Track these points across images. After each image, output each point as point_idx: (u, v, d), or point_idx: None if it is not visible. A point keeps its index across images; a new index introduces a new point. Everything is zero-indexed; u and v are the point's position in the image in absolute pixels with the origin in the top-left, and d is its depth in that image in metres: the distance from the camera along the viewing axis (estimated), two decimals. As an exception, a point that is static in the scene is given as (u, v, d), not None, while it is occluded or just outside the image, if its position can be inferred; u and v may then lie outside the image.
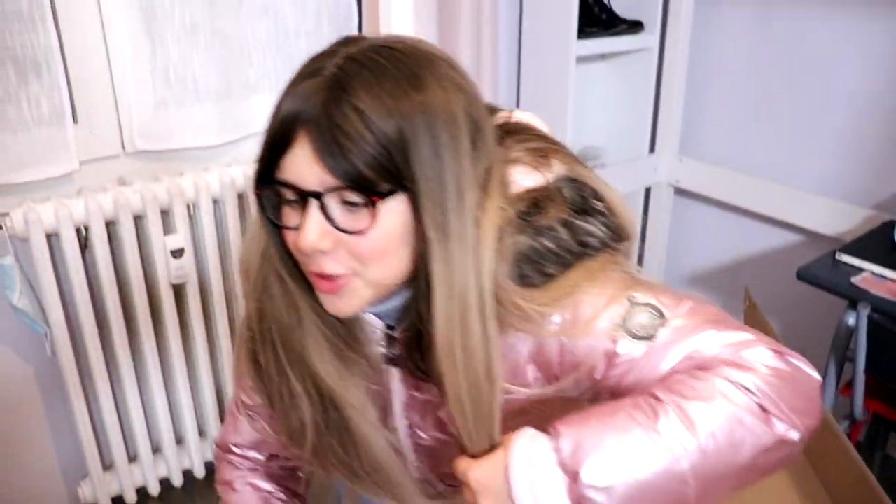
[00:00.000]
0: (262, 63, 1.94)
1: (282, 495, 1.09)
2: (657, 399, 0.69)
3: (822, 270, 1.75)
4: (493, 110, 0.89)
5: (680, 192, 2.57)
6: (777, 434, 0.69)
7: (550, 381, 0.81)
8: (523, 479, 0.69)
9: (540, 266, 0.77)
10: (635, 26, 2.37)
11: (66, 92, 1.69)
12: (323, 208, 0.70)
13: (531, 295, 0.76)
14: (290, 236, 0.74)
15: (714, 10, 2.32)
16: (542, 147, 0.85)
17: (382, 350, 0.87)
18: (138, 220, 1.77)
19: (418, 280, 0.74)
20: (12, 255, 1.66)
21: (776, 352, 0.73)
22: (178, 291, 1.88)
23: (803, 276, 1.74)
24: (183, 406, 1.97)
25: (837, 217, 2.13)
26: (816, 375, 0.75)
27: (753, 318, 1.60)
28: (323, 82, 0.69)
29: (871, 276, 1.70)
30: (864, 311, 1.62)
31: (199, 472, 2.08)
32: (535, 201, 0.79)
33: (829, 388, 1.80)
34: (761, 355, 0.73)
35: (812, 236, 2.22)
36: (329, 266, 0.73)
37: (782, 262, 2.28)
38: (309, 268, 0.75)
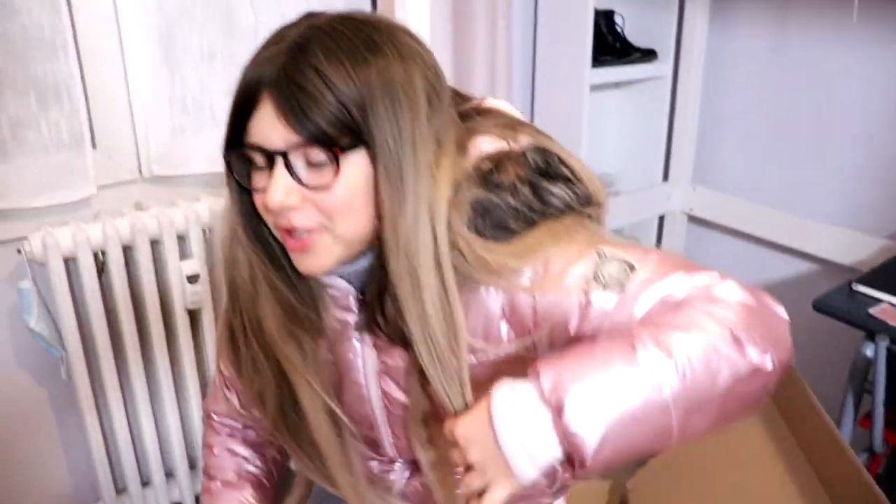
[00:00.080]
0: (279, 90, 1.95)
1: (258, 461, 1.12)
2: (633, 334, 0.70)
3: (839, 301, 1.74)
4: (466, 98, 0.92)
5: (693, 220, 2.56)
6: (752, 362, 0.70)
7: (525, 339, 0.82)
8: (507, 422, 0.69)
9: (501, 221, 0.79)
10: (649, 55, 2.39)
11: (85, 118, 1.71)
12: (288, 166, 0.74)
13: (494, 247, 0.78)
14: (259, 199, 0.78)
15: (728, 39, 2.33)
16: (511, 123, 0.88)
17: (354, 317, 0.88)
18: (154, 244, 1.78)
19: (382, 237, 0.77)
20: (30, 279, 1.67)
21: (746, 288, 0.76)
22: (193, 316, 1.88)
23: (820, 307, 1.73)
24: (196, 431, 1.97)
25: (853, 247, 2.12)
26: (785, 315, 0.78)
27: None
28: (285, 47, 0.73)
29: (890, 307, 1.68)
30: (883, 343, 1.61)
31: (210, 498, 2.06)
32: (497, 161, 0.81)
33: (847, 421, 1.78)
34: (732, 290, 0.75)
35: (827, 266, 2.21)
36: (298, 220, 0.76)
37: (797, 291, 2.26)
38: (280, 225, 0.78)
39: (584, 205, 0.84)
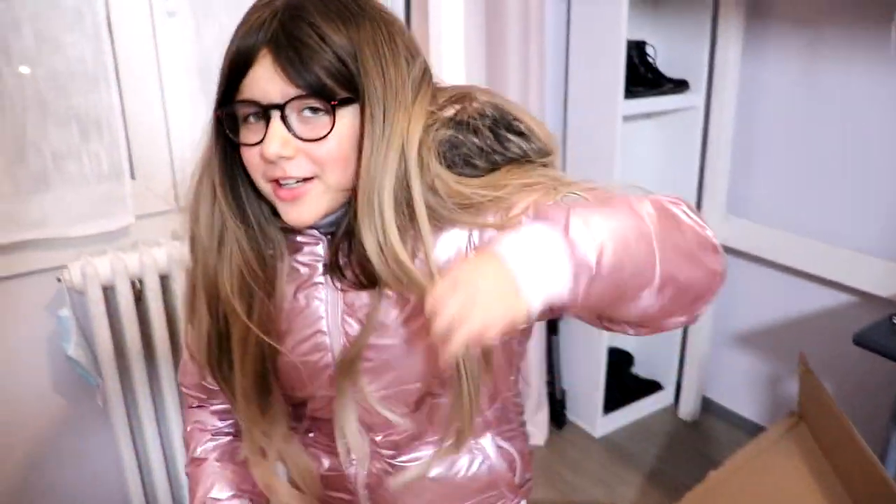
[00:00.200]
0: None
1: (229, 429, 1.12)
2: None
3: (880, 335, 1.70)
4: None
5: (727, 251, 2.54)
6: (701, 226, 0.78)
7: None
8: (515, 249, 0.68)
9: (468, 157, 0.85)
10: (681, 85, 2.39)
11: (124, 149, 1.74)
12: (284, 119, 0.79)
13: (464, 181, 0.83)
14: (249, 153, 0.83)
15: (760, 68, 2.32)
16: (469, 88, 0.91)
17: (322, 262, 0.92)
18: (190, 274, 1.79)
19: (357, 174, 0.82)
20: (69, 307, 1.69)
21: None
22: (226, 345, 1.89)
23: (861, 341, 1.69)
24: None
25: (892, 278, 2.08)
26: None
27: (809, 384, 1.56)
28: (278, 9, 0.79)
29: (932, 340, 1.65)
30: (926, 378, 1.58)
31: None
32: (461, 108, 0.87)
33: (892, 456, 1.74)
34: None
35: (866, 298, 2.17)
36: (292, 170, 0.81)
37: (836, 324, 2.23)
38: (273, 175, 0.82)
39: (540, 156, 0.88)
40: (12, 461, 1.81)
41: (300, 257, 0.93)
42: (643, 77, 2.33)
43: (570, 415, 2.69)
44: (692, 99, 2.41)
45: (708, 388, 2.72)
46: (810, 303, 2.33)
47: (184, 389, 1.13)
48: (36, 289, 1.73)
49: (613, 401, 2.63)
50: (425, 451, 1.00)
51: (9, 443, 1.79)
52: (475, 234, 0.86)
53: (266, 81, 0.78)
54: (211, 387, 1.07)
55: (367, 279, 0.86)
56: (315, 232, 0.91)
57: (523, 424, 1.13)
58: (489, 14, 1.96)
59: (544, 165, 0.89)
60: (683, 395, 2.72)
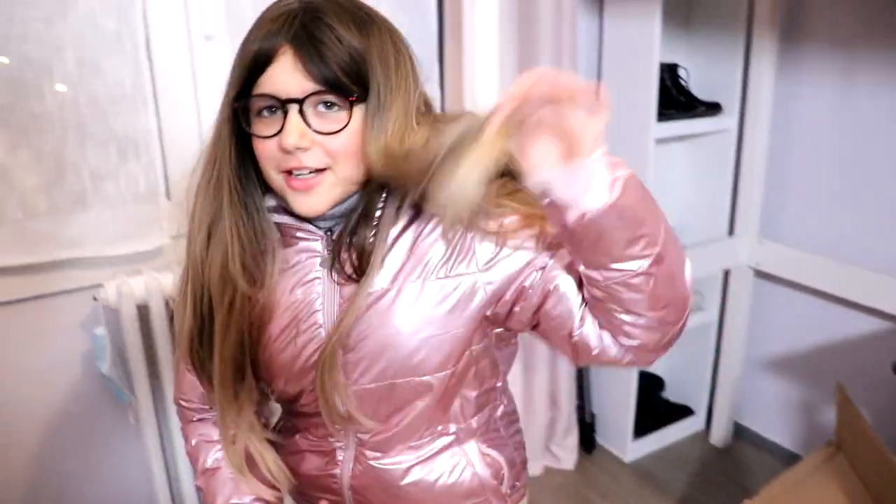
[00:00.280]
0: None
1: None
2: None
3: (920, 363, 1.67)
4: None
5: (761, 275, 2.51)
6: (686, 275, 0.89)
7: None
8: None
9: None
10: (714, 108, 2.37)
11: (161, 170, 1.77)
12: (301, 113, 0.85)
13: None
14: (264, 144, 0.88)
15: (795, 90, 2.30)
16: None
17: (320, 257, 0.96)
18: (223, 294, 1.81)
19: (372, 178, 0.91)
20: (104, 325, 1.72)
21: None
22: (257, 365, 1.90)
23: (899, 368, 1.66)
24: (256, 480, 1.98)
25: (931, 305, 2.04)
26: None
27: (847, 413, 1.53)
28: (296, 11, 0.86)
29: (974, 370, 1.61)
30: (968, 408, 1.54)
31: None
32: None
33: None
34: None
35: (903, 324, 2.13)
36: (307, 160, 0.87)
37: (873, 351, 2.19)
38: (289, 166, 0.88)
39: None
40: (45, 475, 1.83)
41: (298, 253, 0.97)
42: (675, 100, 2.32)
43: (600, 439, 2.66)
44: (725, 122, 2.39)
45: (740, 414, 2.68)
46: (846, 329, 2.29)
47: (183, 404, 1.15)
48: (72, 307, 1.76)
49: (644, 425, 2.60)
50: (409, 455, 1.04)
51: (42, 456, 1.81)
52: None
53: (286, 77, 0.85)
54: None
55: (361, 270, 0.93)
56: (313, 228, 0.96)
57: (516, 434, 1.15)
58: (521, 36, 1.97)
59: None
60: (715, 420, 2.69)
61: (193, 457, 1.14)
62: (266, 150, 0.88)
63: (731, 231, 2.51)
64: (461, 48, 1.71)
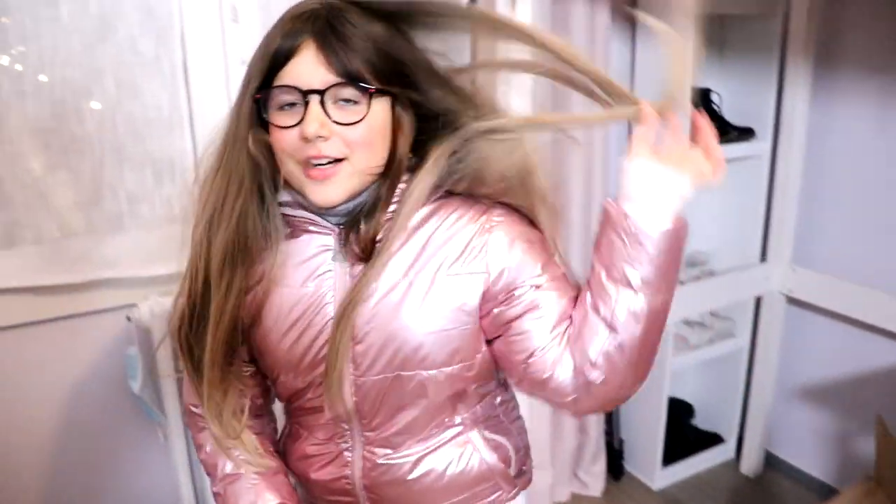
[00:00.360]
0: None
1: None
2: None
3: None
4: None
5: (793, 302, 2.47)
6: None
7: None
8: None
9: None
10: (746, 133, 2.36)
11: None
12: (322, 104, 0.89)
13: None
14: (283, 134, 0.91)
15: (829, 115, 2.28)
16: None
17: (331, 251, 0.99)
18: (254, 315, 1.82)
19: (387, 171, 0.96)
20: (137, 345, 1.73)
21: None
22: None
23: (939, 402, 1.63)
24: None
25: (971, 336, 2.00)
26: None
27: (887, 447, 1.50)
28: (319, 9, 0.91)
29: None
30: None
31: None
32: None
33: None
34: None
35: (942, 356, 2.09)
36: (326, 149, 0.90)
37: (909, 382, 2.15)
38: (308, 155, 0.91)
39: None
40: (75, 491, 1.85)
41: (310, 247, 1.00)
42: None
43: (628, 466, 2.63)
44: (758, 147, 2.37)
45: (772, 443, 2.64)
46: (882, 358, 2.25)
47: (194, 410, 1.15)
48: (106, 326, 1.78)
49: (673, 453, 2.56)
50: (417, 448, 1.06)
51: (72, 472, 1.83)
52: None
53: (308, 69, 0.88)
54: None
55: (366, 254, 0.96)
56: (326, 223, 0.99)
57: (516, 420, 1.19)
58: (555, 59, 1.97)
59: None
60: (746, 449, 2.64)
61: (210, 463, 1.14)
62: (285, 140, 0.91)
63: (763, 257, 2.48)
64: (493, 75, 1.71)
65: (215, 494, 1.13)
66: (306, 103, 0.89)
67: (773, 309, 2.49)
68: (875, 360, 2.26)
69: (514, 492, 1.14)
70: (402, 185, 0.97)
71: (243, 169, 0.94)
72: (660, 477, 2.54)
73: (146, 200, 1.73)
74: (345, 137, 0.91)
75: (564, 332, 0.97)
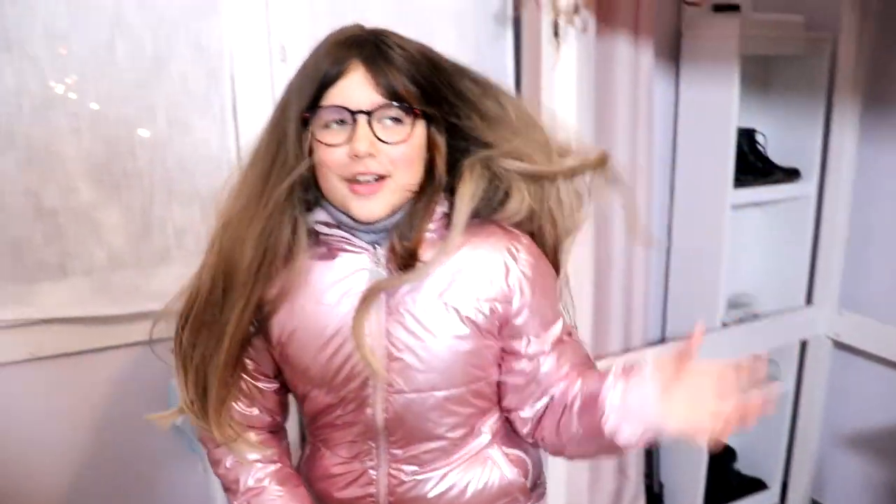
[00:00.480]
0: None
1: (275, 458, 1.16)
2: None
3: None
4: None
5: (840, 347, 2.41)
6: None
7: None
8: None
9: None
10: (792, 174, 2.33)
11: (241, 227, 1.81)
12: (370, 123, 0.94)
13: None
14: (330, 152, 0.96)
15: (878, 156, 2.23)
16: None
17: (367, 271, 1.02)
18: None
19: (422, 189, 1.01)
20: (179, 377, 1.75)
21: None
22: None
23: None
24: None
25: None
26: None
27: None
28: (366, 34, 0.98)
29: None
30: None
31: None
32: None
33: None
34: None
35: None
36: (373, 166, 0.95)
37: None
38: (355, 171, 0.95)
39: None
40: (115, 523, 1.86)
41: (345, 266, 1.03)
42: (753, 165, 2.29)
43: (668, 510, 2.58)
44: (804, 188, 2.34)
45: (818, 491, 2.56)
46: (933, 406, 2.19)
47: None
48: (151, 358, 1.79)
49: (714, 497, 2.50)
50: (441, 463, 1.09)
51: (109, 501, 1.85)
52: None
53: (357, 90, 0.94)
54: (249, 413, 1.13)
55: (411, 261, 1.00)
56: (361, 242, 1.02)
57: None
58: (598, 101, 1.98)
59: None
60: (790, 496, 2.57)
61: (230, 478, 1.15)
62: (332, 158, 0.96)
63: (808, 300, 2.43)
64: (538, 113, 1.72)
65: None
66: (354, 122, 0.94)
67: (819, 353, 2.44)
68: (926, 409, 2.20)
69: None
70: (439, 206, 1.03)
71: (285, 183, 0.97)
72: (700, 522, 2.48)
73: (192, 234, 1.76)
74: (389, 155, 0.96)
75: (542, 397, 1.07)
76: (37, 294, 1.65)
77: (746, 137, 2.29)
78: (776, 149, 2.37)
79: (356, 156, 0.94)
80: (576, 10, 1.61)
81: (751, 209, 2.45)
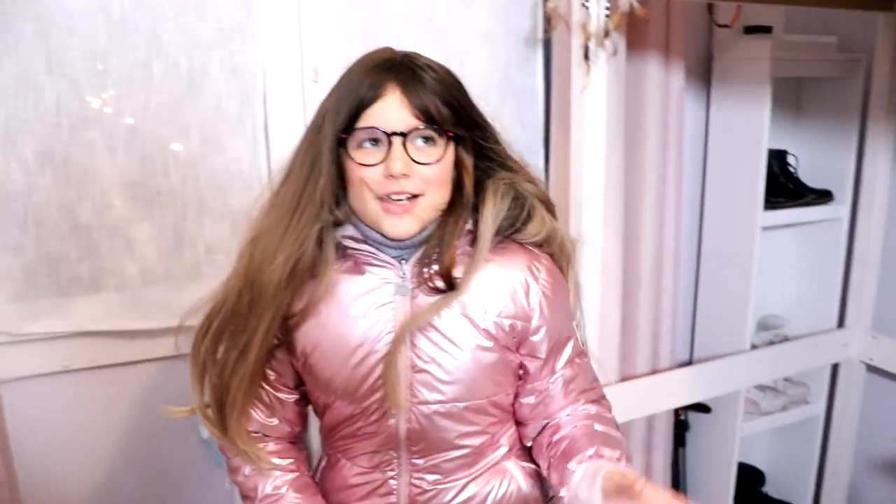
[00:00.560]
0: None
1: (293, 467, 1.18)
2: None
3: None
4: None
5: (873, 371, 2.37)
6: None
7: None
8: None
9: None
10: (824, 196, 2.30)
11: (271, 244, 1.83)
12: (404, 145, 0.97)
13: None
14: (365, 171, 0.99)
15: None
16: None
17: (393, 285, 1.05)
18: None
19: (452, 206, 1.05)
20: (208, 393, 1.77)
21: None
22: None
23: None
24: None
25: None
26: None
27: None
28: (398, 59, 1.01)
29: None
30: None
31: None
32: None
33: None
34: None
35: None
36: (407, 186, 0.99)
37: None
38: (390, 191, 0.99)
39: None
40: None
41: (372, 280, 1.06)
42: (784, 187, 2.26)
43: (694, 532, 2.54)
44: (836, 210, 2.32)
45: (849, 517, 2.52)
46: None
47: None
48: (180, 372, 1.81)
49: (742, 521, 2.47)
50: (462, 474, 1.12)
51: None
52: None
53: (393, 113, 0.97)
54: (269, 423, 1.15)
55: (447, 283, 1.03)
56: (387, 258, 1.05)
57: None
58: (628, 122, 1.98)
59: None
60: (820, 521, 2.54)
61: (248, 486, 1.17)
62: (368, 177, 0.99)
63: (840, 323, 2.40)
64: (567, 133, 1.72)
65: None
66: (389, 143, 0.97)
67: (852, 377, 2.40)
68: (961, 437, 2.16)
69: None
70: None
71: (322, 200, 1.01)
72: (727, 546, 2.45)
73: (223, 251, 1.78)
74: (423, 175, 0.99)
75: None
76: (71, 308, 1.67)
77: (778, 159, 2.27)
78: (808, 170, 2.35)
79: (392, 176, 0.97)
80: (606, 33, 1.61)
81: (782, 230, 2.43)
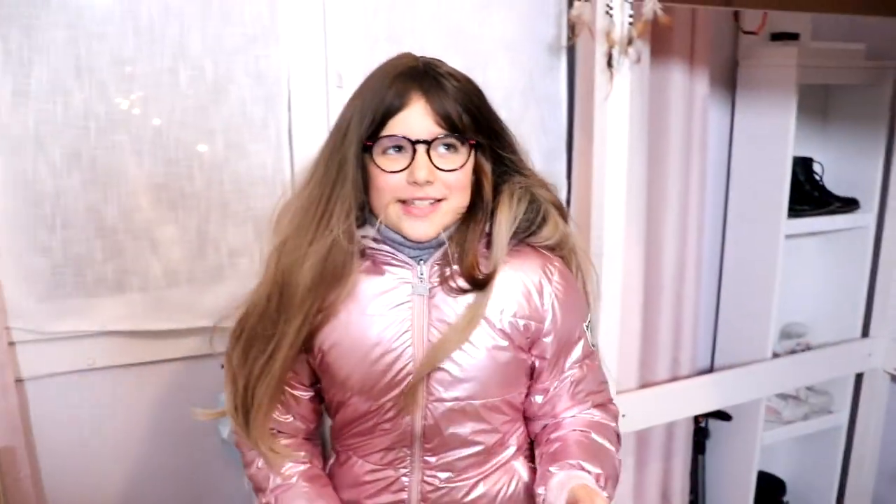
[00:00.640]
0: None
1: (306, 459, 1.21)
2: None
3: None
4: None
5: (897, 381, 2.36)
6: None
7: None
8: None
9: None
10: (850, 204, 2.28)
11: (293, 248, 1.84)
12: (428, 152, 1.01)
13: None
14: (388, 177, 1.03)
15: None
16: None
17: (411, 285, 1.09)
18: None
19: (471, 209, 1.08)
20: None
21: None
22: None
23: None
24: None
25: None
26: None
27: None
28: (419, 66, 1.04)
29: None
30: None
31: None
32: None
33: None
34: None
35: None
36: (431, 191, 1.03)
37: None
38: (414, 196, 1.03)
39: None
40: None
41: (391, 280, 1.09)
42: (809, 195, 2.24)
43: (713, 541, 2.53)
44: (862, 218, 2.30)
45: (871, 528, 2.50)
46: None
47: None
48: (201, 372, 1.84)
49: (761, 530, 2.45)
50: (473, 472, 1.14)
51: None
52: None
53: (417, 121, 1.01)
54: (284, 420, 1.18)
55: (472, 283, 1.06)
56: (406, 258, 1.09)
57: None
58: (652, 129, 1.97)
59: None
60: (842, 532, 2.51)
61: (260, 477, 1.19)
62: (391, 183, 1.03)
63: (865, 332, 2.38)
64: (590, 141, 1.71)
65: None
66: (413, 150, 1.01)
67: (876, 386, 2.38)
68: None
69: None
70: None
71: (347, 204, 1.04)
72: (747, 555, 2.44)
73: (246, 254, 1.80)
74: (446, 181, 1.03)
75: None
76: (96, 308, 1.70)
77: (803, 166, 2.25)
78: (834, 178, 2.33)
79: (416, 182, 1.01)
80: (630, 41, 1.61)
81: (806, 239, 2.41)
